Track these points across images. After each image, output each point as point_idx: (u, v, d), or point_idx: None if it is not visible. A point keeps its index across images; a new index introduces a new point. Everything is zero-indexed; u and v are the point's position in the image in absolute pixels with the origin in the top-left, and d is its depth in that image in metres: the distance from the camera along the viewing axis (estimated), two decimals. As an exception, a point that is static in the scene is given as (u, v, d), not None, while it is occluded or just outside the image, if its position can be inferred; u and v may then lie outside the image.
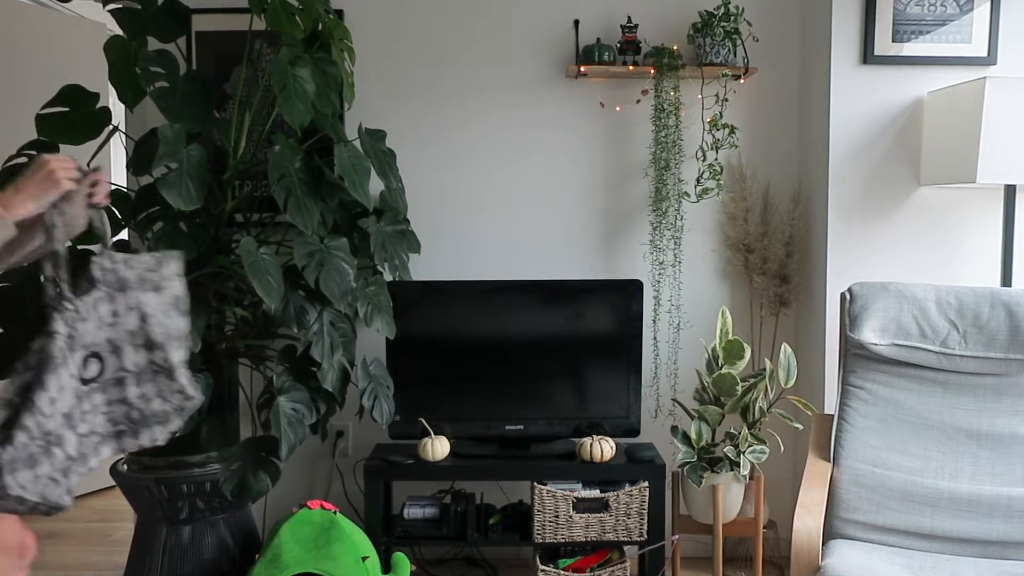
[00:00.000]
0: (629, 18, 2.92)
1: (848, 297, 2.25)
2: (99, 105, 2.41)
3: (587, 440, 2.74)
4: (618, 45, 2.90)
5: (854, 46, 2.74)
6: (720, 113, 2.88)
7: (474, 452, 2.79)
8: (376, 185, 2.68)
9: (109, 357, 1.62)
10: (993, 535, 2.06)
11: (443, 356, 2.78)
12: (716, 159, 2.89)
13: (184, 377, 1.69)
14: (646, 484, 2.69)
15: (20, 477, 1.46)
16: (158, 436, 1.67)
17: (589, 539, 2.70)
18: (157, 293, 1.67)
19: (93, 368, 1.60)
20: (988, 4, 2.70)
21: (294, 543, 2.42)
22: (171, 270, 1.68)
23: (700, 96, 2.91)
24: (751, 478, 2.72)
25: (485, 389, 2.80)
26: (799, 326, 3.05)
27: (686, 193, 2.95)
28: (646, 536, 2.70)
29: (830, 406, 2.74)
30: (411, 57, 2.99)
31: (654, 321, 3.00)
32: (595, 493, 2.70)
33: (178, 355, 1.68)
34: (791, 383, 2.66)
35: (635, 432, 2.84)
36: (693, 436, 2.66)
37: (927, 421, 2.17)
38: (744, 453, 2.61)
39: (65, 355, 1.53)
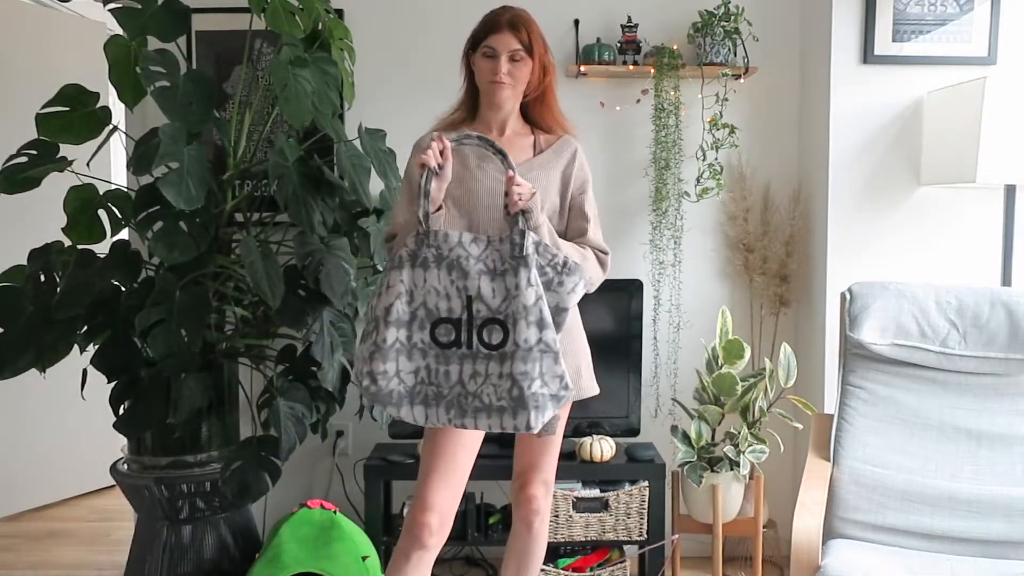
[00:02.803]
0: (629, 18, 2.92)
1: (848, 297, 2.25)
2: (99, 105, 2.41)
3: (587, 440, 2.74)
4: (618, 45, 2.90)
5: (854, 46, 2.74)
6: (720, 113, 2.88)
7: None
8: (376, 185, 2.67)
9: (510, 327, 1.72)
10: (993, 535, 2.05)
11: (443, 356, 2.77)
12: (716, 159, 2.89)
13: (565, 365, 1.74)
14: (646, 484, 2.69)
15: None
16: (532, 422, 1.69)
17: (589, 539, 2.70)
18: (550, 291, 1.76)
19: (497, 335, 1.73)
20: (988, 4, 2.70)
21: (294, 543, 2.42)
22: (571, 283, 1.77)
23: (700, 96, 2.91)
24: (751, 478, 2.72)
25: (485, 389, 2.79)
26: (799, 326, 3.05)
27: (686, 193, 2.95)
28: (646, 536, 2.70)
29: (830, 406, 2.74)
30: (411, 57, 2.99)
31: (654, 321, 3.00)
32: (595, 493, 2.70)
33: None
34: (791, 383, 2.66)
35: (635, 432, 2.84)
36: (693, 436, 2.66)
37: (927, 421, 2.17)
38: (744, 453, 2.61)
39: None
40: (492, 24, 1.90)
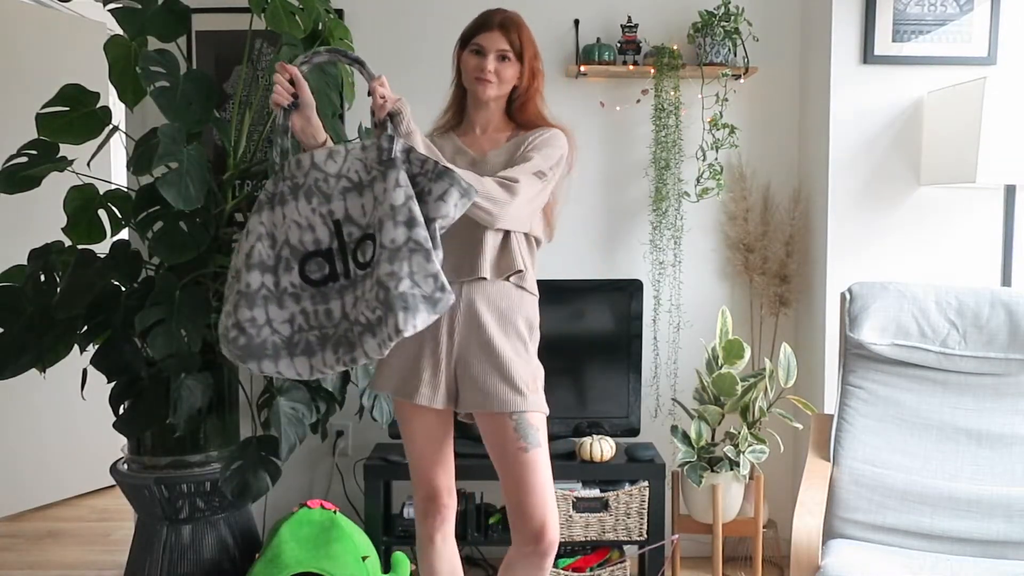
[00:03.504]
0: (629, 18, 2.92)
1: (848, 297, 2.25)
2: (99, 105, 2.41)
3: (587, 440, 2.74)
4: (618, 45, 2.90)
5: (854, 46, 2.74)
6: (720, 113, 2.88)
7: (474, 451, 2.78)
8: (376, 185, 2.67)
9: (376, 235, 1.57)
10: (993, 535, 2.05)
11: (443, 356, 2.77)
12: (716, 159, 2.89)
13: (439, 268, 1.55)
14: (646, 484, 2.69)
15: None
16: (401, 324, 1.50)
17: (589, 539, 2.70)
18: (421, 202, 1.59)
19: (370, 251, 1.58)
20: (988, 4, 2.70)
21: (294, 543, 2.42)
22: (440, 188, 1.59)
23: (700, 96, 2.91)
24: (751, 478, 2.72)
25: (485, 389, 2.79)
26: (799, 326, 3.05)
27: (686, 193, 2.95)
28: (646, 536, 2.70)
29: (830, 406, 2.74)
30: (411, 57, 2.99)
31: (654, 321, 3.00)
32: (595, 493, 2.70)
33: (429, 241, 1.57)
34: (791, 383, 2.66)
35: (635, 432, 2.84)
36: (693, 436, 2.66)
37: (927, 421, 2.17)
38: (744, 453, 2.61)
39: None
40: (484, 23, 1.89)
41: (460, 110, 1.98)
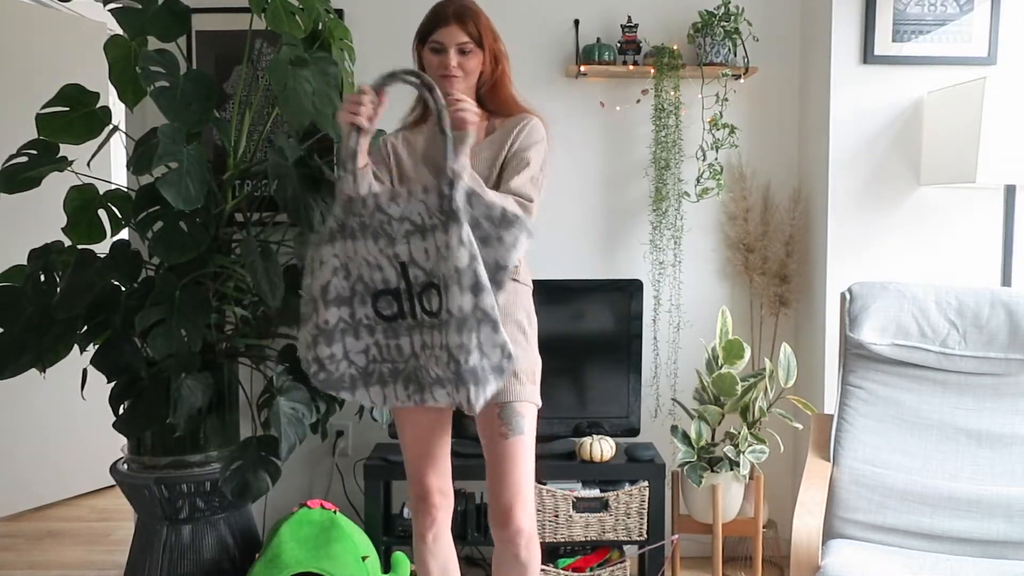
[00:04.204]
0: (629, 18, 2.92)
1: (848, 297, 2.25)
2: (99, 104, 2.41)
3: (587, 440, 2.74)
4: (618, 45, 2.90)
5: (854, 46, 2.74)
6: (720, 113, 2.88)
7: (474, 452, 2.78)
8: (376, 185, 2.67)
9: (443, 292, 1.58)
10: (993, 535, 2.05)
11: (443, 356, 2.77)
12: (716, 159, 2.89)
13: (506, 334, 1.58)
14: (646, 484, 2.69)
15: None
16: (473, 398, 1.56)
17: (589, 539, 2.70)
18: (488, 247, 1.60)
19: (435, 301, 1.60)
20: (988, 4, 2.70)
21: (294, 543, 2.42)
22: (512, 237, 1.60)
23: (700, 96, 2.91)
24: (751, 478, 2.72)
25: (485, 389, 2.79)
26: (799, 326, 3.05)
27: (686, 193, 2.95)
28: (646, 536, 2.70)
29: (830, 406, 2.74)
30: (411, 57, 2.98)
31: (654, 321, 3.00)
32: (595, 493, 2.70)
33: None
34: (791, 383, 2.66)
35: (635, 432, 2.84)
36: (693, 436, 2.66)
37: (927, 421, 2.17)
38: (744, 453, 2.61)
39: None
40: (438, 17, 1.86)
41: (425, 104, 1.94)
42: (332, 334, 1.64)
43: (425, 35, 1.89)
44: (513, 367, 1.62)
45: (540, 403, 1.90)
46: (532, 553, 1.90)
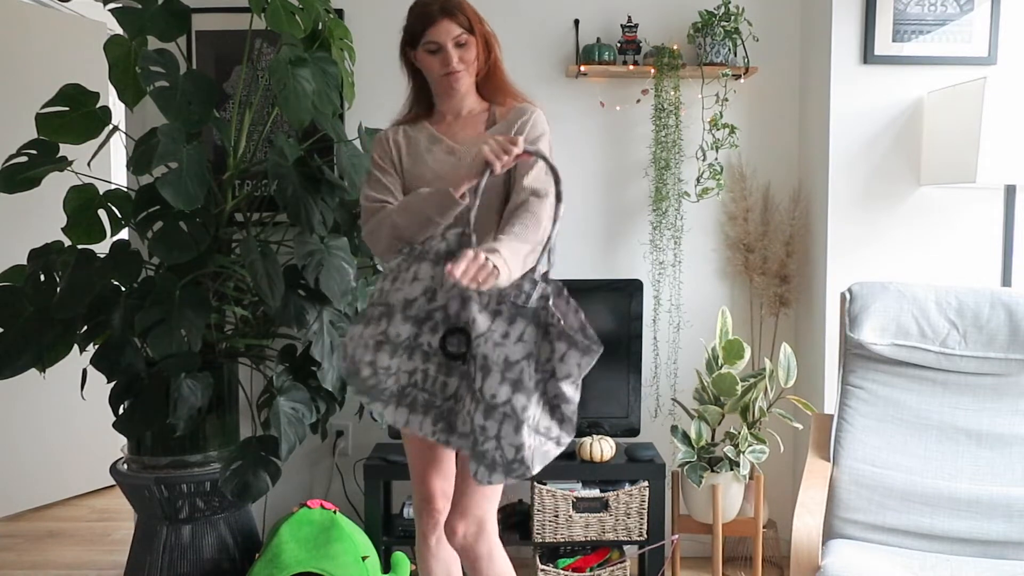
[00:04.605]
0: (629, 18, 2.92)
1: (848, 297, 2.25)
2: (99, 104, 2.41)
3: (587, 440, 2.74)
4: (618, 45, 2.90)
5: (854, 46, 2.74)
6: (720, 113, 2.88)
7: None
8: (376, 185, 2.67)
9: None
10: (993, 535, 2.05)
11: (443, 356, 2.77)
12: (716, 159, 2.89)
13: (528, 440, 1.57)
14: (646, 484, 2.69)
15: None
16: (479, 476, 1.59)
17: (589, 539, 2.70)
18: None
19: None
20: (988, 4, 2.70)
21: (294, 543, 2.42)
22: (574, 358, 1.60)
23: (700, 96, 2.91)
24: (751, 478, 2.72)
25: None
26: (799, 326, 3.05)
27: (686, 193, 2.95)
28: (646, 536, 2.70)
29: (830, 406, 2.74)
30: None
31: (654, 321, 3.00)
32: (595, 493, 2.70)
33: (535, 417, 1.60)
34: (791, 383, 2.66)
35: (635, 432, 2.84)
36: (693, 436, 2.66)
37: (927, 421, 2.17)
38: (744, 453, 2.61)
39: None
40: (426, 16, 1.80)
41: (426, 103, 1.94)
42: (396, 347, 1.64)
43: (415, 36, 1.83)
44: (525, 473, 1.60)
45: None
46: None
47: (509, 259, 1.62)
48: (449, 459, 1.98)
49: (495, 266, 1.57)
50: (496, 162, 1.63)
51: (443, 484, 1.98)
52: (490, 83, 1.90)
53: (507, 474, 1.59)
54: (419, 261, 1.68)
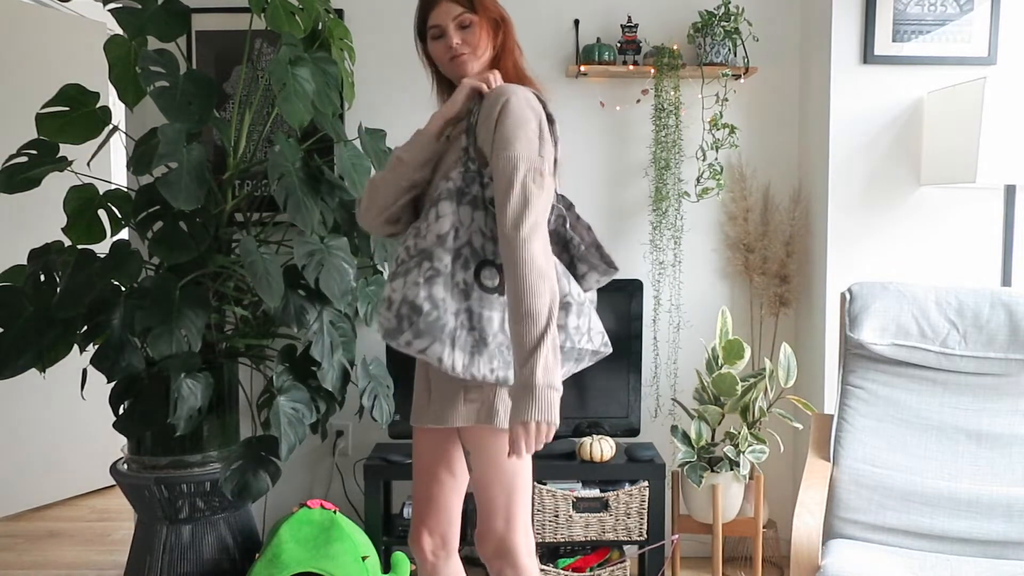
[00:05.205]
0: (629, 18, 2.92)
1: (848, 297, 2.25)
2: (99, 104, 2.41)
3: (587, 440, 2.74)
4: (618, 45, 2.90)
5: (854, 46, 2.74)
6: (720, 113, 2.88)
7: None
8: (376, 185, 2.67)
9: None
10: (993, 535, 2.06)
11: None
12: (716, 159, 2.89)
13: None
14: (646, 484, 2.69)
15: None
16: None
17: (589, 539, 2.70)
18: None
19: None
20: (988, 4, 2.70)
21: (294, 543, 2.42)
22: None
23: (700, 96, 2.91)
24: (751, 478, 2.72)
25: (485, 389, 2.79)
26: (799, 326, 3.05)
27: (686, 193, 2.95)
28: (646, 536, 2.70)
29: (830, 406, 2.74)
30: (411, 57, 2.97)
31: (654, 321, 3.00)
32: (595, 493, 2.70)
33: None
34: (791, 383, 2.66)
35: (635, 432, 2.85)
36: (693, 436, 2.66)
37: (927, 421, 2.17)
38: (744, 453, 2.61)
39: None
40: (427, 1, 1.73)
41: (447, 93, 1.83)
42: (449, 280, 1.58)
43: (422, 26, 1.75)
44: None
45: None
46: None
47: (540, 387, 1.51)
48: (448, 490, 1.88)
49: (538, 422, 1.52)
50: (480, 85, 1.66)
51: (442, 519, 1.89)
52: (504, 73, 1.75)
53: (591, 359, 1.73)
54: (438, 203, 1.62)
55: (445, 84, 1.83)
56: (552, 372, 1.51)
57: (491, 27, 1.73)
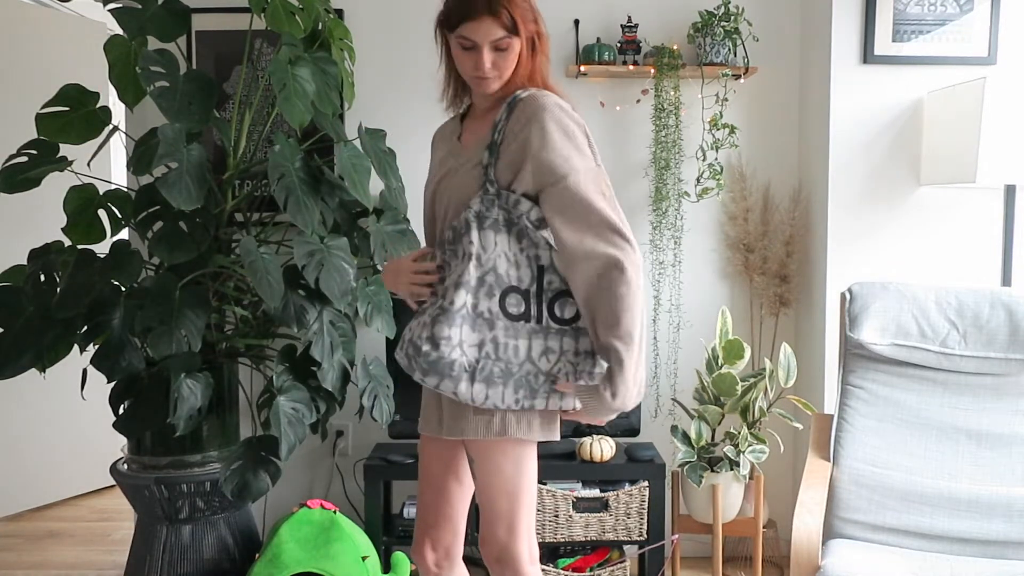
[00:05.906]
0: (629, 18, 2.92)
1: (848, 297, 2.25)
2: (99, 105, 2.41)
3: (587, 439, 2.74)
4: (618, 45, 2.90)
5: (854, 46, 2.74)
6: (720, 113, 2.88)
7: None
8: (376, 185, 2.67)
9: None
10: (993, 535, 2.05)
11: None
12: (716, 159, 2.89)
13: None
14: (646, 484, 2.69)
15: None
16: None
17: (589, 539, 2.70)
18: None
19: (570, 310, 1.63)
20: (988, 4, 2.70)
21: (294, 543, 2.42)
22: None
23: (700, 96, 2.91)
24: (751, 478, 2.72)
25: (485, 389, 2.79)
26: (799, 326, 3.05)
27: (686, 193, 2.95)
28: (646, 536, 2.70)
29: (830, 406, 2.74)
30: (411, 57, 2.99)
31: (654, 321, 3.00)
32: (595, 493, 2.70)
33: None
34: (791, 383, 2.66)
35: (635, 432, 2.84)
36: (693, 436, 2.66)
37: (927, 421, 2.17)
38: (744, 453, 2.61)
39: None
40: (468, 7, 1.58)
41: (462, 89, 1.76)
42: (454, 317, 1.57)
43: (452, 23, 1.61)
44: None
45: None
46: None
47: (626, 407, 1.58)
48: (452, 502, 1.86)
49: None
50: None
51: (445, 529, 1.88)
52: (526, 80, 1.67)
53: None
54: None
55: (454, 75, 1.75)
56: (636, 387, 1.57)
57: (527, 47, 1.64)
